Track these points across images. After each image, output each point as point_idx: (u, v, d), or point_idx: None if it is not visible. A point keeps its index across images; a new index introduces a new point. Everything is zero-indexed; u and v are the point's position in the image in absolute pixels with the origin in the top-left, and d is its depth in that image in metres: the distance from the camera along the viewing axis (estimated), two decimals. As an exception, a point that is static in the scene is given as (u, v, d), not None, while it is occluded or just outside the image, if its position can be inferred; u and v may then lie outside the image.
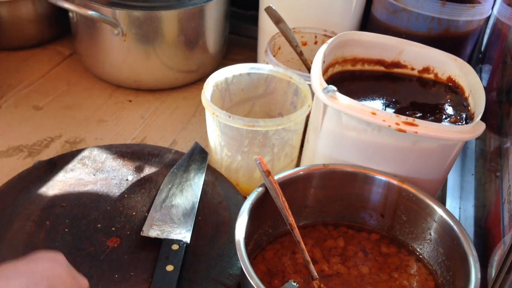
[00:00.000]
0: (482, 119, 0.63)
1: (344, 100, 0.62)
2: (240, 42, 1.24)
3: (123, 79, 1.01)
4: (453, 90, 0.74)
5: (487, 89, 0.95)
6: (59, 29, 1.14)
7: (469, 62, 1.02)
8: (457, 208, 0.78)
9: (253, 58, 1.15)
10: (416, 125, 0.60)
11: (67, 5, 0.89)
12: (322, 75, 0.67)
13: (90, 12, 0.89)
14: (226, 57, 1.16)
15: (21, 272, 0.46)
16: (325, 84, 0.63)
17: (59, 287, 0.47)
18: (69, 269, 0.50)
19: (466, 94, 0.72)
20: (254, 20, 1.08)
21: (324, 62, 0.72)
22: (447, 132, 0.60)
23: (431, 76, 0.77)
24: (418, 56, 0.77)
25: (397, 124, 0.60)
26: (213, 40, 1.05)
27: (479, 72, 1.02)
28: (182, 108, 1.00)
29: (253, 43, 1.11)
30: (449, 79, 0.75)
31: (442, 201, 0.80)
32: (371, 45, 0.78)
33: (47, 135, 0.90)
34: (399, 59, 0.78)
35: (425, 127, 0.60)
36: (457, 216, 0.76)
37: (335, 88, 0.62)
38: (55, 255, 0.50)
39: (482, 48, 1.07)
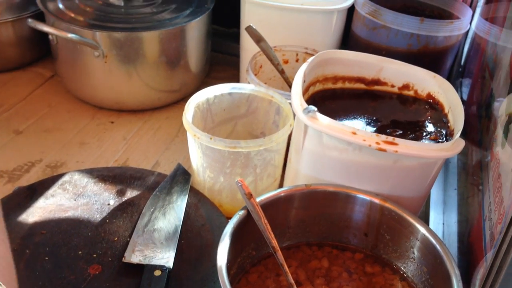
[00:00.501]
0: (463, 133, 0.63)
1: (324, 120, 0.62)
2: (222, 60, 1.24)
3: (105, 101, 1.01)
4: (433, 106, 0.74)
5: (467, 103, 0.96)
6: (40, 50, 1.14)
7: (449, 76, 1.03)
8: (440, 223, 0.78)
9: (236, 76, 1.16)
10: (396, 144, 0.60)
11: (46, 29, 0.89)
12: (302, 95, 0.67)
13: (70, 35, 0.88)
14: (208, 75, 1.16)
15: None
16: (305, 105, 0.63)
17: None
18: None
19: (446, 111, 0.72)
20: (236, 38, 1.09)
21: (304, 81, 0.72)
22: (427, 151, 0.60)
23: (411, 92, 0.77)
24: (397, 73, 0.77)
25: (377, 143, 0.60)
26: (195, 59, 1.05)
27: (459, 86, 1.03)
28: (165, 129, 0.99)
29: (236, 60, 1.11)
30: (429, 95, 0.76)
31: (425, 217, 0.80)
32: (351, 63, 0.78)
33: (27, 160, 0.88)
34: (379, 77, 0.78)
35: (405, 146, 0.60)
36: (440, 232, 0.77)
37: (315, 109, 0.62)
38: None
39: (462, 62, 1.08)
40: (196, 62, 1.05)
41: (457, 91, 1.02)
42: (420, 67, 0.76)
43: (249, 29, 0.88)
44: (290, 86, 0.92)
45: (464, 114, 0.67)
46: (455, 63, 1.04)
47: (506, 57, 0.68)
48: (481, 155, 0.79)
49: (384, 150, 0.60)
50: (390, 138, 0.60)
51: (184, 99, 1.06)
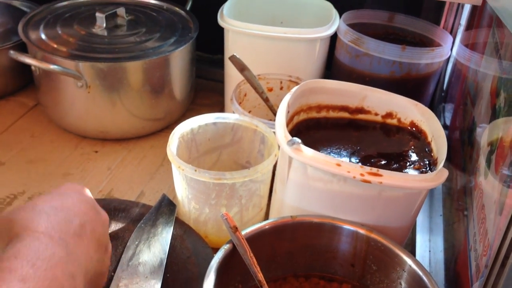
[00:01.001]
0: (447, 158, 0.64)
1: (308, 152, 0.62)
2: (207, 86, 1.24)
3: (89, 130, 1.00)
4: (416, 135, 0.75)
5: (450, 128, 0.97)
6: (23, 79, 1.13)
7: (431, 101, 1.04)
8: (427, 251, 0.78)
9: (221, 102, 1.16)
10: (380, 175, 0.60)
11: (28, 60, 0.88)
12: (286, 126, 0.67)
13: (53, 67, 0.88)
14: (193, 102, 1.16)
15: (56, 208, 0.50)
16: (289, 136, 0.64)
17: (87, 223, 0.52)
18: (94, 205, 0.56)
19: (429, 139, 0.73)
20: (220, 64, 1.09)
21: (288, 112, 0.72)
22: (411, 181, 0.60)
23: (395, 121, 0.78)
24: (381, 102, 0.78)
25: (361, 175, 0.60)
26: (180, 87, 1.05)
27: (442, 111, 1.04)
28: (150, 157, 0.99)
29: (221, 86, 1.11)
30: (412, 123, 0.76)
31: (412, 244, 0.80)
32: (334, 92, 0.78)
33: (10, 192, 0.87)
34: (363, 105, 0.79)
35: (390, 177, 0.60)
36: (427, 260, 0.77)
37: (299, 141, 0.62)
38: (81, 188, 0.57)
39: (444, 87, 1.10)
40: (181, 90, 1.05)
41: (440, 116, 1.04)
42: (402, 96, 0.77)
43: (233, 59, 0.88)
44: (275, 114, 0.92)
45: (448, 139, 0.67)
46: (437, 88, 1.06)
47: (487, 86, 0.69)
48: (465, 180, 0.80)
49: (369, 182, 0.60)
50: (374, 170, 0.60)
51: (169, 126, 1.06)
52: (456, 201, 0.85)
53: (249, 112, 0.97)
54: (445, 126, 1.00)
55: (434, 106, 1.09)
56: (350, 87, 0.79)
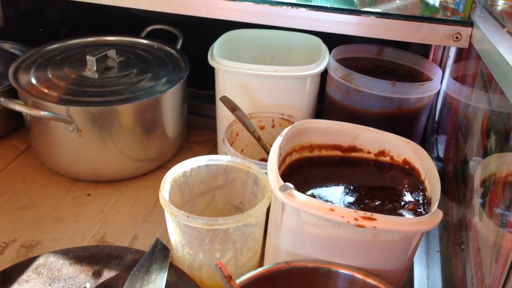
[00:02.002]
0: (442, 190, 0.63)
1: (301, 197, 0.62)
2: (200, 123, 1.25)
3: (81, 173, 0.99)
4: (409, 173, 0.75)
5: (444, 160, 0.97)
6: (14, 122, 1.13)
7: (424, 133, 1.04)
8: (425, 290, 0.77)
9: (214, 139, 1.16)
10: (374, 220, 0.59)
11: (19, 108, 0.88)
12: (278, 169, 0.67)
13: (43, 113, 0.88)
14: (186, 140, 1.16)
15: None
16: (281, 182, 0.63)
17: None
18: None
19: (422, 177, 0.72)
20: (212, 100, 1.08)
21: (280, 155, 0.72)
22: (406, 225, 0.60)
23: (387, 159, 0.77)
24: (373, 140, 0.78)
25: (355, 219, 0.59)
26: (172, 126, 1.05)
27: (435, 143, 1.04)
28: (143, 199, 0.98)
29: (213, 122, 1.11)
30: (405, 161, 0.76)
31: (410, 283, 0.79)
32: (326, 131, 0.78)
33: (1, 241, 0.86)
34: (355, 144, 0.79)
35: (384, 221, 0.59)
36: (426, 300, 0.76)
37: (292, 186, 0.62)
38: None
39: (436, 118, 1.10)
40: (173, 129, 1.05)
41: (433, 148, 1.04)
42: (394, 134, 0.77)
43: (224, 99, 0.88)
44: (267, 152, 0.92)
45: (442, 171, 0.67)
46: (429, 119, 1.06)
47: (477, 124, 0.69)
48: (461, 214, 0.79)
49: (363, 226, 0.59)
50: (368, 214, 0.60)
51: (162, 166, 1.06)
52: (453, 235, 0.84)
53: (242, 151, 0.97)
54: (438, 158, 1.01)
55: (427, 138, 1.09)
56: (342, 126, 0.78)
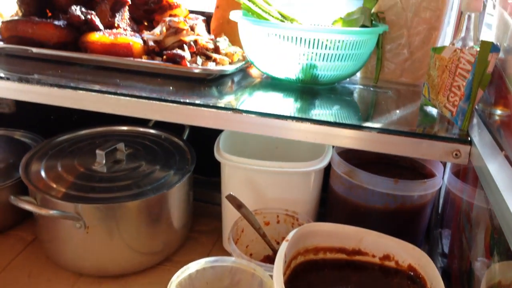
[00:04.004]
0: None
1: (307, 313, 0.62)
2: (205, 210, 1.25)
3: (86, 268, 0.99)
4: (415, 280, 0.75)
5: (449, 256, 0.97)
6: (21, 214, 1.13)
7: (428, 228, 1.05)
8: None
9: (219, 229, 1.16)
10: (381, 338, 0.59)
11: (28, 207, 0.90)
12: (283, 279, 0.67)
13: (52, 212, 0.89)
14: (192, 230, 1.16)
15: None
16: (287, 295, 0.63)
17: None
18: None
19: (428, 286, 0.72)
20: (218, 187, 1.10)
21: (285, 261, 0.72)
22: None
23: (392, 263, 0.78)
24: (377, 244, 0.78)
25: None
26: (178, 218, 1.06)
27: (439, 238, 1.04)
28: (148, 295, 0.98)
29: (218, 209, 1.12)
30: (410, 267, 0.76)
31: None
32: (331, 234, 0.79)
33: None
34: (360, 247, 0.79)
35: None
36: None
37: (297, 301, 0.62)
38: None
39: (440, 209, 1.11)
40: (179, 220, 1.06)
41: (437, 242, 1.04)
42: (398, 239, 0.77)
43: (230, 197, 0.90)
44: (272, 249, 0.92)
45: (447, 268, 0.67)
46: (433, 212, 1.07)
47: (481, 237, 0.70)
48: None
49: None
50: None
51: (167, 259, 1.06)
52: None
53: (247, 246, 0.97)
54: (443, 254, 1.00)
55: (431, 229, 1.09)
56: (346, 229, 0.79)
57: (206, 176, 1.32)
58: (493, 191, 0.53)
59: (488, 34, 0.86)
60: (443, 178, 1.01)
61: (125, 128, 1.21)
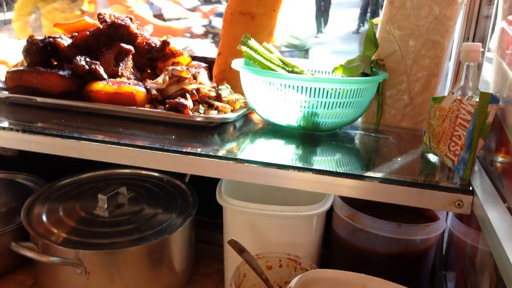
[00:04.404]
0: None
1: None
2: (207, 252, 1.24)
3: (86, 314, 0.98)
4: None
5: (455, 301, 0.96)
6: (22, 258, 1.12)
7: (432, 270, 1.04)
8: None
9: (221, 271, 1.15)
10: None
11: (29, 254, 0.89)
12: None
13: (53, 259, 0.89)
14: (194, 272, 1.15)
15: None
16: None
17: None
18: None
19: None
20: (220, 228, 1.09)
21: (288, 311, 0.71)
22: None
23: (397, 312, 0.77)
24: (381, 292, 0.78)
25: None
26: (179, 262, 1.05)
27: (444, 281, 1.03)
28: None
29: (220, 251, 1.11)
30: (415, 316, 0.75)
31: None
32: (333, 281, 0.78)
33: None
34: (363, 294, 0.78)
35: None
36: None
37: None
38: None
39: (444, 251, 1.10)
40: (180, 263, 1.06)
41: (442, 286, 1.03)
42: (401, 286, 0.77)
43: (232, 242, 0.90)
44: (275, 295, 0.92)
45: None
46: (437, 255, 1.06)
47: (486, 282, 0.69)
48: None
49: None
50: None
51: (169, 304, 1.05)
52: None
53: (249, 292, 0.96)
54: (448, 299, 0.99)
55: (435, 271, 1.08)
56: (349, 276, 0.79)
57: (208, 217, 1.31)
58: (495, 241, 0.53)
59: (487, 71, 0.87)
60: (446, 221, 1.00)
61: (127, 171, 1.22)
